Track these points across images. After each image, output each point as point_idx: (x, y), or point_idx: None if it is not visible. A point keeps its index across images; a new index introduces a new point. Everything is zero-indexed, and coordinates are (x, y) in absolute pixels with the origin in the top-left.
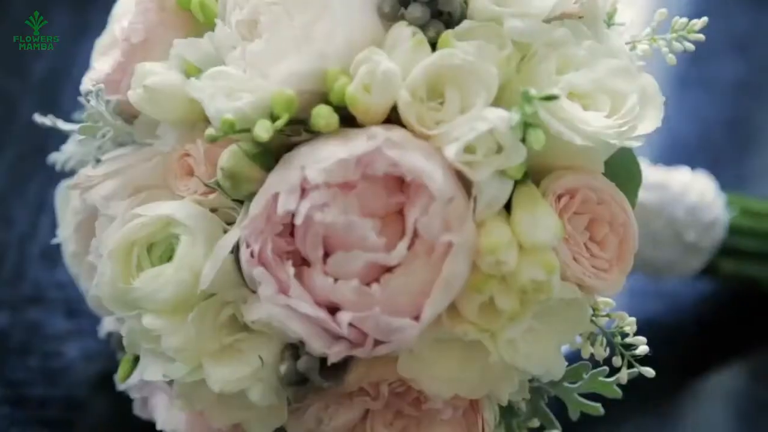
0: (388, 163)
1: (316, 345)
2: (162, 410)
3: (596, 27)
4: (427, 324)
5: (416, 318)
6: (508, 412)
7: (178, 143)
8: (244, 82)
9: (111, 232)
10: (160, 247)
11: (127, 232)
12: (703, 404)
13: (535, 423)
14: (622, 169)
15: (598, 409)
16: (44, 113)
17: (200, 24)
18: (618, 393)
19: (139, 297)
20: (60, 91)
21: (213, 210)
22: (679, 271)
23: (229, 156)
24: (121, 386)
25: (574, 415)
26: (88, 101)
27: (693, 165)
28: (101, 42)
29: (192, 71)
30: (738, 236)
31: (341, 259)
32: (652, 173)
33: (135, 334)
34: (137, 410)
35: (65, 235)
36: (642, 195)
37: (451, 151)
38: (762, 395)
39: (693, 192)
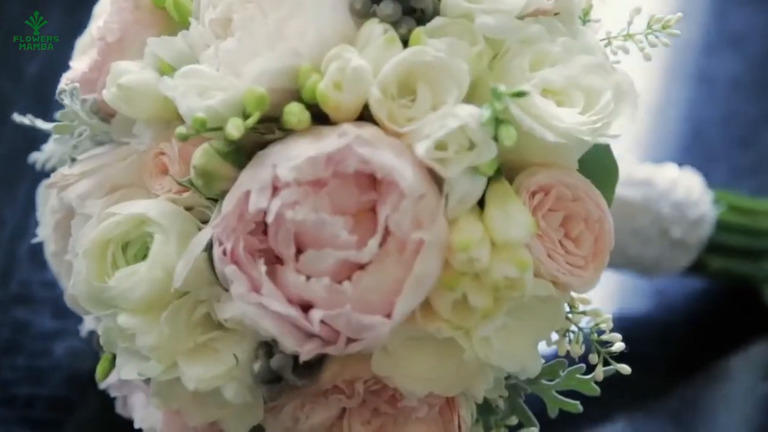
0: (358, 160)
1: (288, 343)
2: (140, 409)
3: (572, 24)
4: (399, 322)
5: (388, 316)
6: (485, 409)
7: (154, 142)
8: (217, 80)
9: (86, 231)
10: (134, 246)
11: (101, 231)
12: (695, 402)
13: (514, 420)
14: (597, 166)
15: (576, 406)
16: (37, 113)
17: (175, 22)
18: (596, 390)
19: (113, 295)
20: (53, 91)
21: (188, 208)
22: (668, 268)
23: (201, 154)
24: (102, 385)
25: (552, 412)
26: (62, 100)
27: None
28: (82, 41)
29: (166, 70)
30: (726, 233)
31: (313, 257)
32: (638, 170)
33: (111, 332)
34: (119, 409)
35: (45, 234)
36: (627, 191)
37: (422, 148)
38: (755, 392)
39: (679, 188)
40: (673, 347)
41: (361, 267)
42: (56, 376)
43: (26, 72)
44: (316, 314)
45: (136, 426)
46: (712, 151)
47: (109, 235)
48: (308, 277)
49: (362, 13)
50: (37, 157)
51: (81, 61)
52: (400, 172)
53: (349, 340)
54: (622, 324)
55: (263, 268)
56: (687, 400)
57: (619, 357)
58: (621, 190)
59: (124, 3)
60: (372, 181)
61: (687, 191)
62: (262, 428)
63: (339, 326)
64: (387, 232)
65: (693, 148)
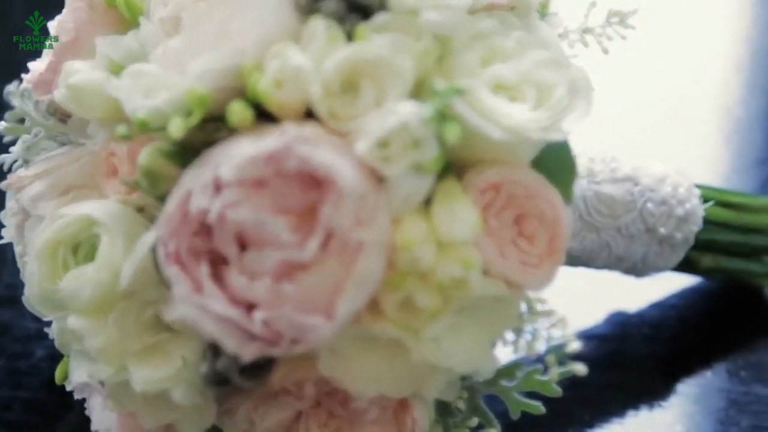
0: (298, 159)
1: (230, 344)
2: (97, 411)
3: (528, 18)
4: (342, 322)
5: (329, 316)
6: (444, 411)
7: (106, 142)
8: (162, 79)
9: (38, 232)
10: (84, 247)
11: (51, 233)
12: (686, 401)
13: (475, 422)
14: (554, 163)
15: (538, 408)
16: None
17: (129, 21)
18: (557, 392)
19: (63, 297)
20: None
21: (140, 209)
22: (657, 266)
23: (145, 154)
24: (69, 387)
25: (514, 414)
26: (10, 101)
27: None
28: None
29: (116, 69)
30: (716, 229)
31: (254, 257)
32: (622, 166)
33: (64, 334)
34: (88, 411)
35: (9, 236)
36: (609, 188)
37: (362, 145)
38: (748, 391)
39: (666, 185)
40: (667, 347)
41: (304, 267)
42: (36, 379)
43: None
44: (258, 315)
45: (93, 428)
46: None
47: (58, 236)
48: (251, 278)
49: (306, 10)
50: (4, 159)
51: (40, 61)
52: (339, 171)
53: (293, 342)
54: (613, 324)
55: (205, 269)
56: (678, 399)
57: (612, 356)
58: (603, 187)
59: (79, 3)
60: (315, 181)
61: (673, 187)
62: (218, 430)
63: (281, 327)
64: (329, 232)
65: None
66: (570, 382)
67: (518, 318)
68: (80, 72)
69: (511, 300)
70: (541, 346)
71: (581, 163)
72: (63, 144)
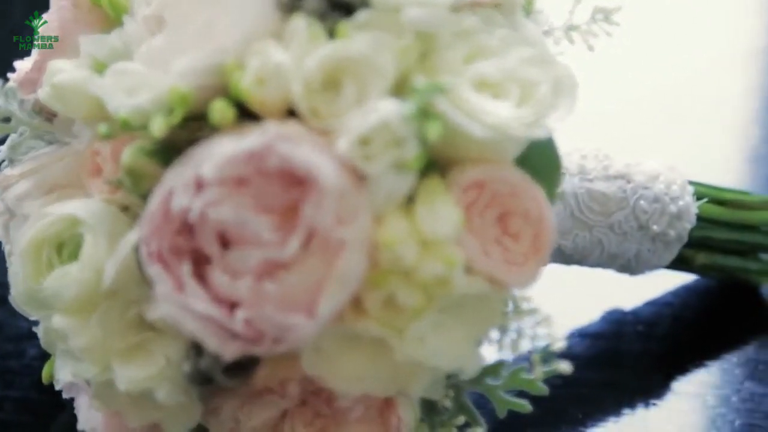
0: (279, 158)
1: (212, 343)
2: (83, 410)
3: (513, 16)
4: (323, 321)
5: (311, 315)
6: (430, 409)
7: (91, 141)
8: (145, 78)
9: (23, 231)
10: (69, 246)
11: (35, 232)
12: (681, 399)
13: (462, 420)
14: (539, 160)
15: (525, 406)
16: None
17: (114, 20)
18: (544, 390)
19: (47, 296)
20: None
21: (124, 208)
22: (650, 264)
23: (128, 153)
24: (57, 387)
25: (501, 413)
26: None
27: None
28: None
29: (100, 68)
30: (710, 227)
31: (237, 256)
32: (615, 163)
33: (50, 334)
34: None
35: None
36: (603, 185)
37: (343, 144)
38: (742, 389)
39: (658, 182)
40: (662, 344)
41: (285, 266)
42: (28, 378)
43: None
44: (239, 314)
45: (79, 428)
46: None
47: (42, 235)
48: (233, 277)
49: (289, 8)
50: None
51: (26, 61)
52: (319, 170)
53: (275, 341)
54: (608, 322)
55: (187, 268)
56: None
57: (607, 354)
58: (595, 184)
59: (64, 1)
60: (296, 179)
61: (666, 184)
62: (204, 429)
63: (262, 326)
64: (310, 231)
65: None
66: (564, 380)
67: (503, 316)
68: (64, 71)
69: (496, 298)
70: (526, 345)
71: (573, 160)
72: (50, 143)
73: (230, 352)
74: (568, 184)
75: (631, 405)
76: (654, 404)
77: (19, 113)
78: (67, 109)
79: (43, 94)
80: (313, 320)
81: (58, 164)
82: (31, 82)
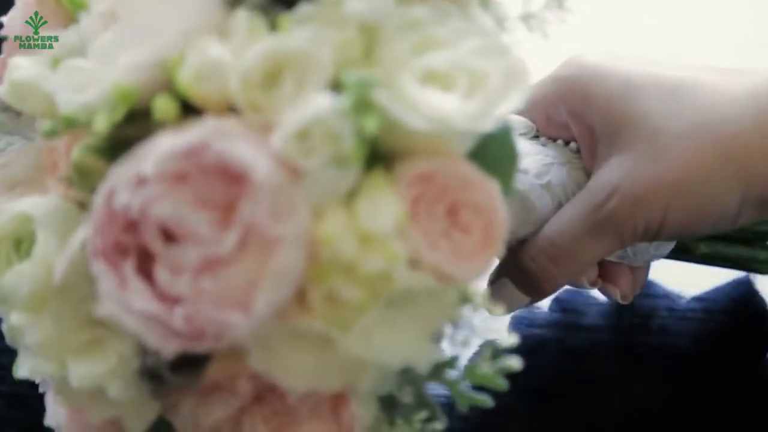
0: (215, 154)
1: (152, 340)
2: (50, 406)
3: (467, 6)
4: (260, 318)
5: (247, 312)
6: (389, 404)
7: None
8: (93, 74)
9: None
10: (27, 243)
11: None
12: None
13: (423, 415)
14: (494, 153)
15: (485, 401)
16: None
17: (73, 16)
18: (503, 385)
19: (4, 293)
20: None
21: (81, 205)
22: (649, 254)
23: (76, 150)
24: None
25: (462, 407)
26: None
27: None
28: None
29: (57, 64)
30: None
31: (176, 252)
32: None
33: (12, 330)
34: None
35: None
36: None
37: (277, 138)
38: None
39: None
40: (658, 338)
41: (223, 262)
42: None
43: None
44: (179, 311)
45: (46, 423)
46: None
47: (1, 232)
48: (174, 273)
49: (233, 2)
50: None
51: None
52: (254, 166)
53: (215, 337)
54: (604, 313)
55: (130, 265)
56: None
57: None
58: (583, 172)
59: None
60: (234, 175)
61: None
62: (170, 425)
63: (201, 323)
64: (247, 227)
65: None
66: (558, 375)
67: (453, 310)
68: (22, 68)
69: (444, 292)
70: (477, 340)
71: (564, 148)
72: (29, 139)
73: (170, 349)
74: (556, 173)
75: (632, 401)
76: (652, 403)
77: None
78: (25, 106)
79: (2, 90)
80: (249, 317)
81: (21, 160)
82: None
